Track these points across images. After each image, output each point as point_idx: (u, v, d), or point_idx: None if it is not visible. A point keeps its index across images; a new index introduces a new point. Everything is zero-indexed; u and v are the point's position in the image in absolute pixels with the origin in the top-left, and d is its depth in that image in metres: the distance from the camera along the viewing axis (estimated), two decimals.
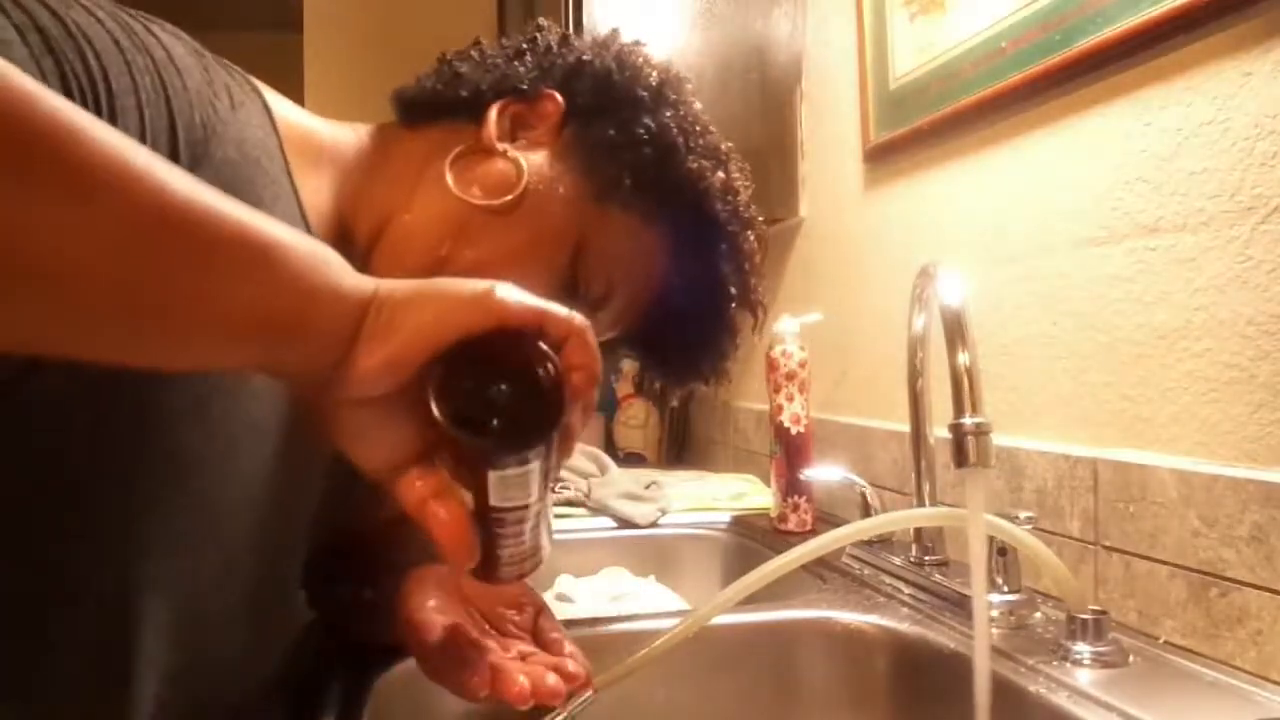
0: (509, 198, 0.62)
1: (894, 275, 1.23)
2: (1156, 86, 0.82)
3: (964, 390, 0.67)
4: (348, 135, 0.66)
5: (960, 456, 0.65)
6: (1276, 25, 0.71)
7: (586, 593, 1.11)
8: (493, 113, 0.65)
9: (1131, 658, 0.73)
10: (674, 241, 0.68)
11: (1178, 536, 0.76)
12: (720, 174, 0.69)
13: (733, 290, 0.70)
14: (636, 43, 0.73)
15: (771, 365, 1.26)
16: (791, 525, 1.23)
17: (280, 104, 0.60)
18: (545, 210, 0.63)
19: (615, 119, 0.66)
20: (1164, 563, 0.78)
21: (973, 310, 0.72)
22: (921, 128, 1.16)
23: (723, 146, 0.72)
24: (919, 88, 1.17)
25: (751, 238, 0.71)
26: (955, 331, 0.70)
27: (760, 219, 0.74)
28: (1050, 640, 0.76)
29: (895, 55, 1.23)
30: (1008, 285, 1.00)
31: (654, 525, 1.30)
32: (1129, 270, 0.84)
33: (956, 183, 1.11)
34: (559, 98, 0.67)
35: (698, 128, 0.69)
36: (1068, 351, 0.92)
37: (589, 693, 0.66)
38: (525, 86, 0.67)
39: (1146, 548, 0.80)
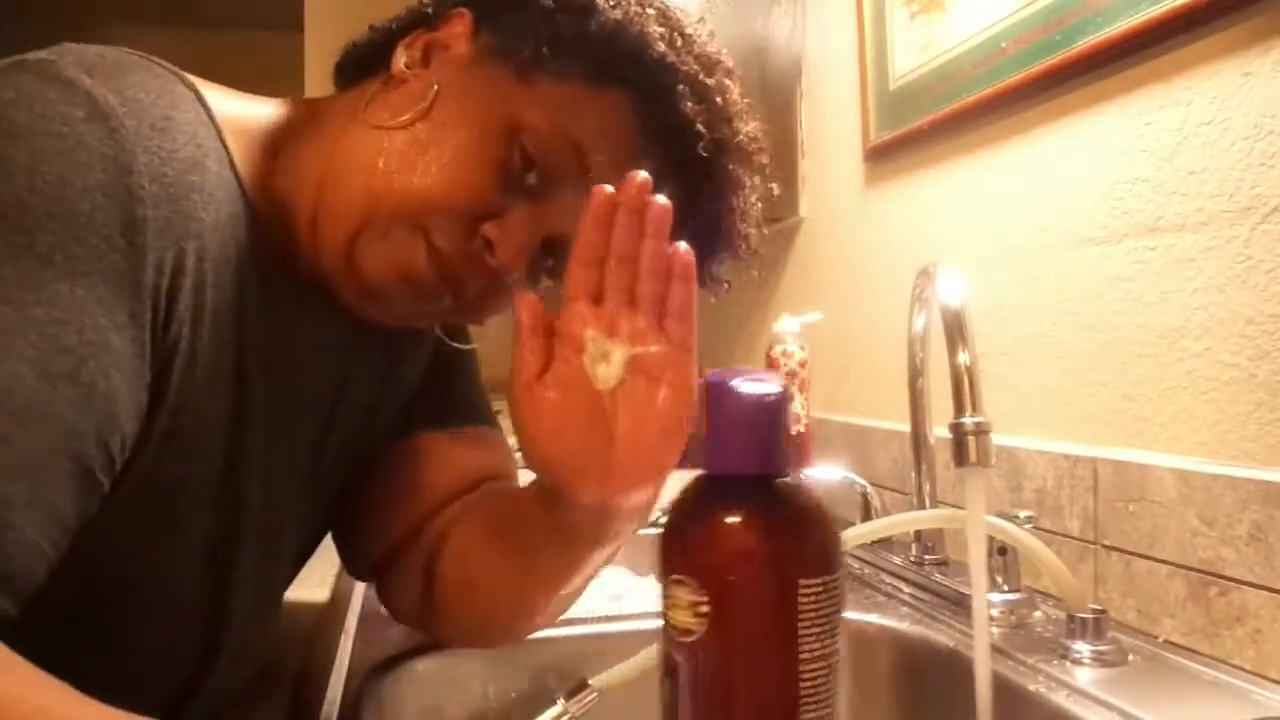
0: (419, 108, 0.59)
1: (894, 275, 1.23)
2: (1156, 86, 0.82)
3: (964, 390, 0.67)
4: (288, 111, 0.65)
5: (960, 456, 0.65)
6: (1276, 25, 0.71)
7: (587, 592, 1.11)
8: (400, 48, 0.63)
9: (1131, 656, 0.73)
10: (631, 97, 0.61)
11: (1177, 536, 0.77)
12: (655, 17, 0.63)
13: (703, 132, 0.62)
14: None
15: (771, 365, 1.26)
16: None
17: (217, 98, 0.59)
18: (462, 109, 0.60)
19: (520, 2, 0.62)
20: (1163, 562, 0.78)
21: (973, 310, 0.72)
22: (921, 128, 1.16)
23: (664, 4, 0.66)
24: (919, 88, 1.18)
25: (718, 76, 0.64)
26: (955, 331, 0.70)
27: (729, 60, 0.67)
28: (1050, 639, 0.77)
29: (895, 55, 1.23)
30: (1008, 285, 1.00)
31: (654, 525, 1.29)
32: (1129, 270, 0.84)
33: (956, 182, 1.11)
34: (465, 11, 0.64)
35: None
36: (1068, 351, 0.92)
37: (591, 693, 0.66)
38: (430, 11, 0.65)
39: (1146, 547, 0.80)
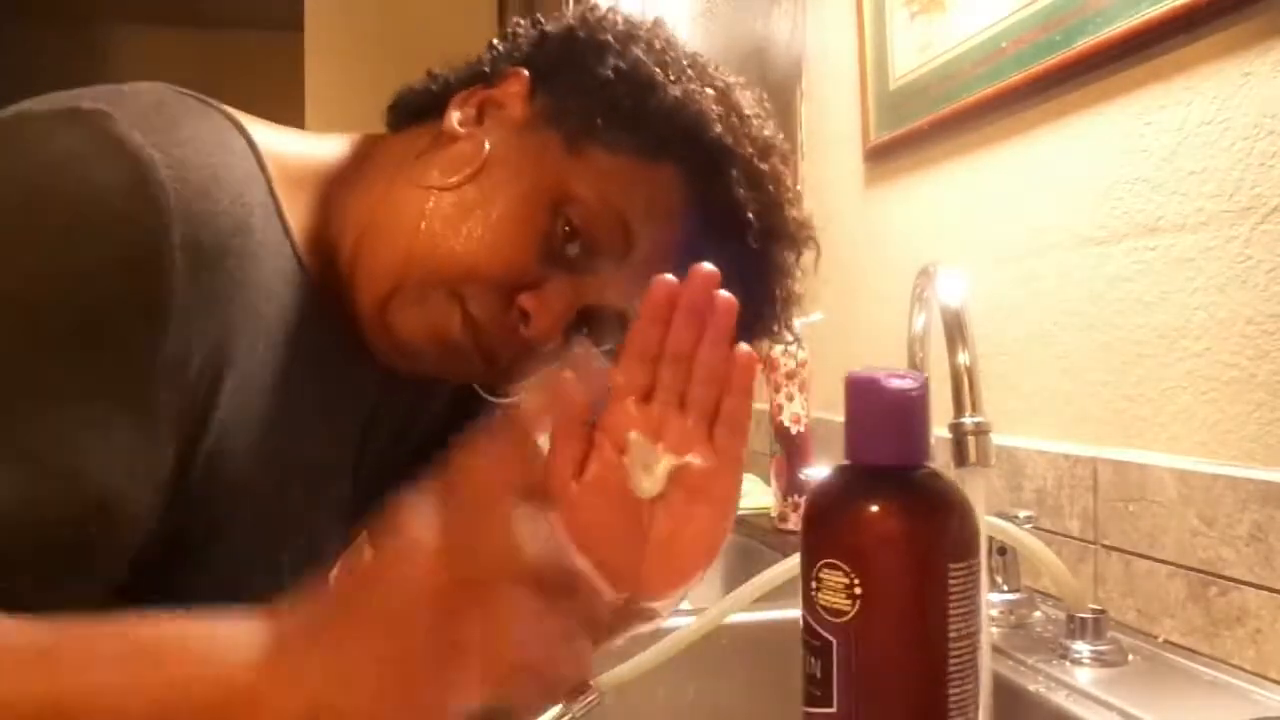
0: (467, 171, 0.59)
1: (894, 275, 1.23)
2: (1156, 86, 0.82)
3: (964, 390, 0.67)
4: (335, 149, 0.65)
5: (960, 456, 0.65)
6: (1276, 25, 0.71)
7: None
8: (455, 102, 0.62)
9: (1131, 657, 0.73)
10: (684, 175, 0.60)
11: (1177, 536, 0.77)
12: (716, 97, 0.62)
13: (753, 219, 0.61)
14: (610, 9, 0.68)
15: (771, 365, 1.26)
16: (792, 525, 1.23)
17: (264, 134, 0.59)
18: (511, 174, 0.59)
19: (580, 68, 0.61)
20: (1163, 562, 0.78)
21: (973, 310, 0.72)
22: (921, 128, 1.16)
23: (720, 73, 0.66)
24: (919, 88, 1.18)
25: (773, 161, 0.64)
26: (955, 331, 0.70)
27: (785, 144, 0.67)
28: (1050, 639, 0.77)
29: (895, 55, 1.23)
30: (1008, 285, 1.00)
31: None
32: (1129, 270, 0.84)
33: (957, 183, 1.11)
34: (523, 72, 0.62)
35: (682, 59, 0.63)
36: (1068, 351, 0.92)
37: (593, 694, 0.66)
38: (488, 69, 0.64)
39: (1146, 547, 0.80)
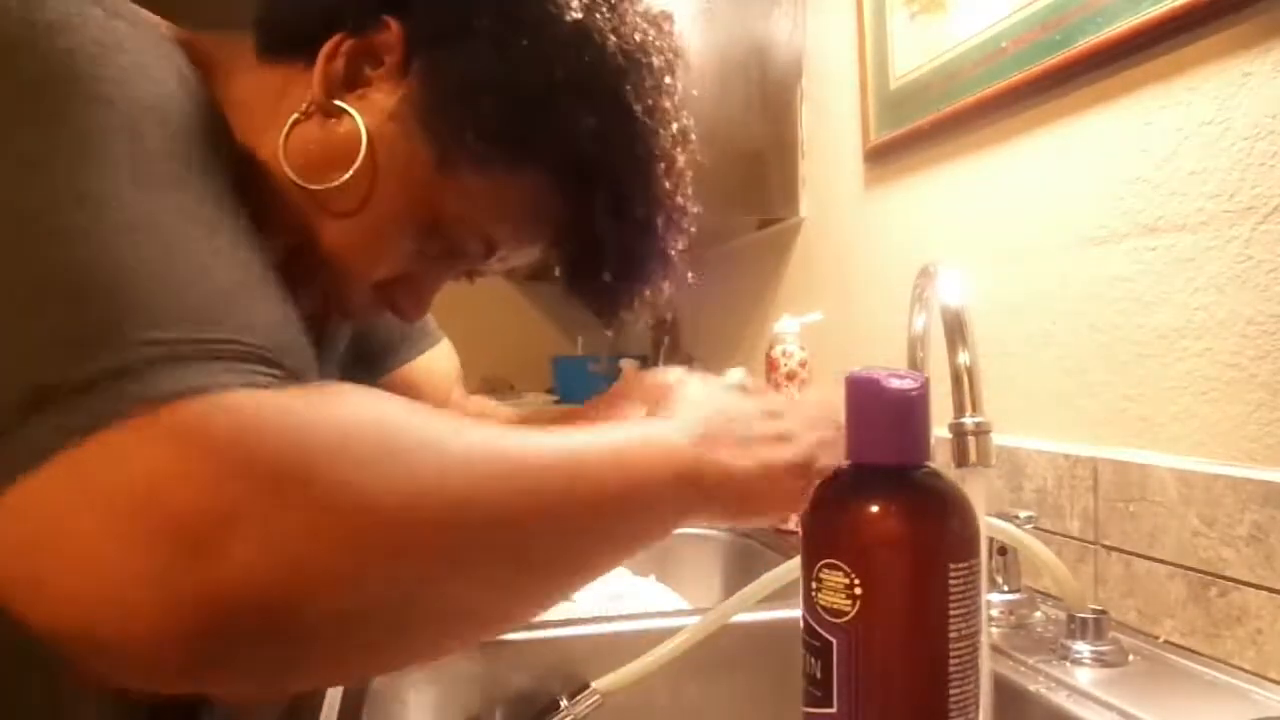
0: (338, 178, 0.54)
1: (894, 275, 1.24)
2: (1156, 86, 0.82)
3: (964, 390, 0.67)
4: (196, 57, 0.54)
5: (960, 456, 0.65)
6: (1276, 25, 0.71)
7: (587, 592, 1.11)
8: (324, 53, 0.55)
9: (1131, 657, 0.73)
10: (552, 184, 0.58)
11: (1177, 536, 0.77)
12: (616, 71, 0.56)
13: (610, 255, 0.60)
14: None
15: (771, 365, 1.26)
16: (792, 525, 1.23)
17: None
18: (381, 190, 0.55)
19: (460, 49, 0.54)
20: (1164, 562, 0.78)
21: (973, 310, 0.72)
22: (921, 128, 1.16)
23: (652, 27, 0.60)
24: (919, 88, 1.17)
25: (661, 170, 0.60)
26: (955, 331, 0.70)
27: (689, 126, 0.63)
28: (1050, 639, 0.77)
29: (895, 55, 1.23)
30: (1008, 285, 1.00)
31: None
32: (1129, 270, 0.84)
33: (956, 183, 1.11)
34: (394, 25, 0.55)
35: (590, 37, 0.56)
36: (1068, 351, 0.92)
37: (594, 695, 0.66)
38: (357, 9, 0.56)
39: (1146, 547, 0.80)
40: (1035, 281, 0.97)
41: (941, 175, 1.14)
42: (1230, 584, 0.72)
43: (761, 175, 1.54)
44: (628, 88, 0.57)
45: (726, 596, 0.67)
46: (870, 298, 1.32)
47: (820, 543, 0.43)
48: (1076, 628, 0.73)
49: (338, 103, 0.55)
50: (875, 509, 0.42)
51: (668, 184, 0.61)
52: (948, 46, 1.11)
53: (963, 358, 0.69)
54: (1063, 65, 0.91)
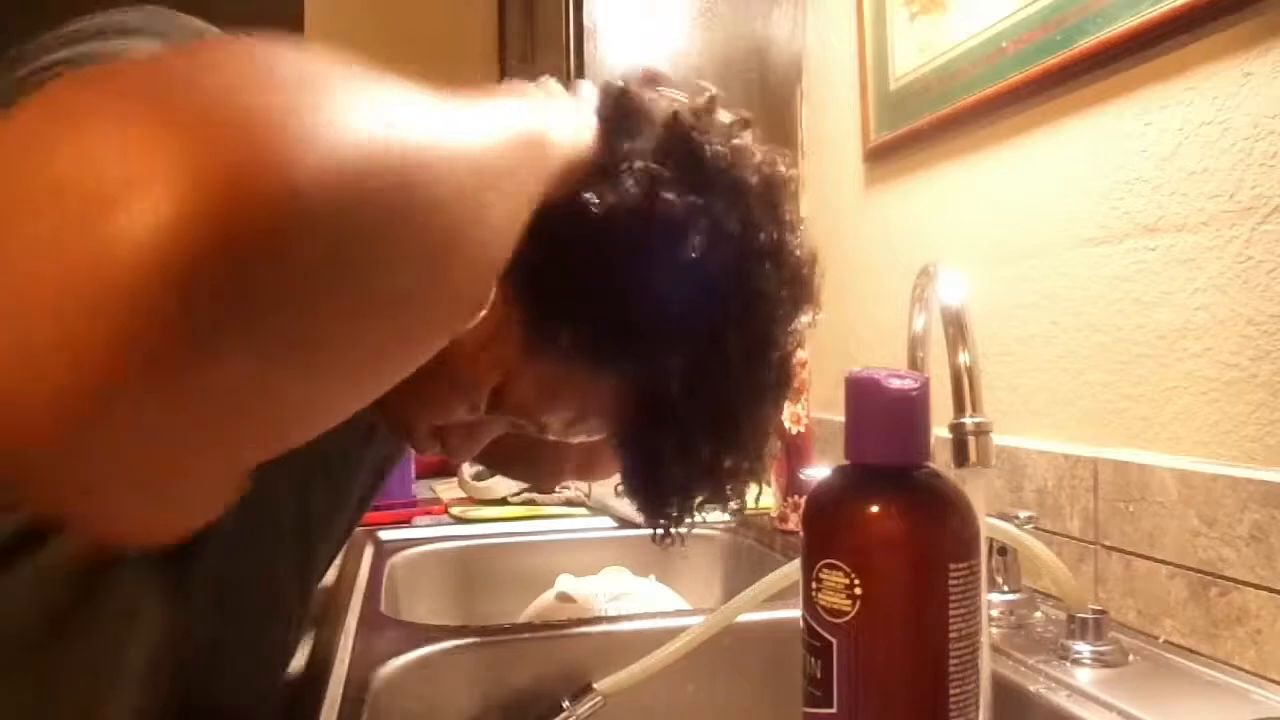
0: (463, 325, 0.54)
1: (894, 275, 1.24)
2: (1156, 86, 0.82)
3: (964, 390, 0.67)
4: None
5: (960, 456, 0.65)
6: (1276, 25, 0.71)
7: (587, 592, 1.11)
8: None
9: (1131, 657, 0.73)
10: (626, 389, 0.56)
11: (1177, 536, 0.77)
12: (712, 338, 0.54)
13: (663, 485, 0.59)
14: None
15: None
16: (792, 525, 1.23)
17: None
18: (465, 347, 0.53)
19: (578, 257, 0.52)
20: (1164, 562, 0.78)
21: (973, 310, 0.72)
22: (921, 128, 1.16)
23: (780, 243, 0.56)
24: (919, 88, 1.18)
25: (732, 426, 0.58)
26: (955, 331, 0.70)
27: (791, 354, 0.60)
28: (1050, 640, 0.77)
29: (895, 55, 1.23)
30: (1008, 285, 1.00)
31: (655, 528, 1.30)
32: (1129, 270, 0.84)
33: (957, 183, 1.11)
34: None
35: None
36: (1068, 351, 0.92)
37: (596, 697, 0.66)
38: None
39: (1146, 547, 0.80)
40: (1035, 281, 0.97)
41: (941, 175, 1.14)
42: (1230, 584, 0.72)
43: None
44: (732, 336, 0.54)
45: (727, 597, 0.67)
46: (870, 298, 1.32)
47: (820, 543, 0.43)
48: (1076, 628, 0.73)
49: None
50: (875, 509, 0.42)
51: (746, 430, 0.58)
52: (948, 47, 1.11)
53: (963, 358, 0.69)
54: (1063, 65, 0.91)
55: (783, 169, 0.57)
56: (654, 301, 0.52)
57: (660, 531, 0.63)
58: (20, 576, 0.41)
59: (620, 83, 0.55)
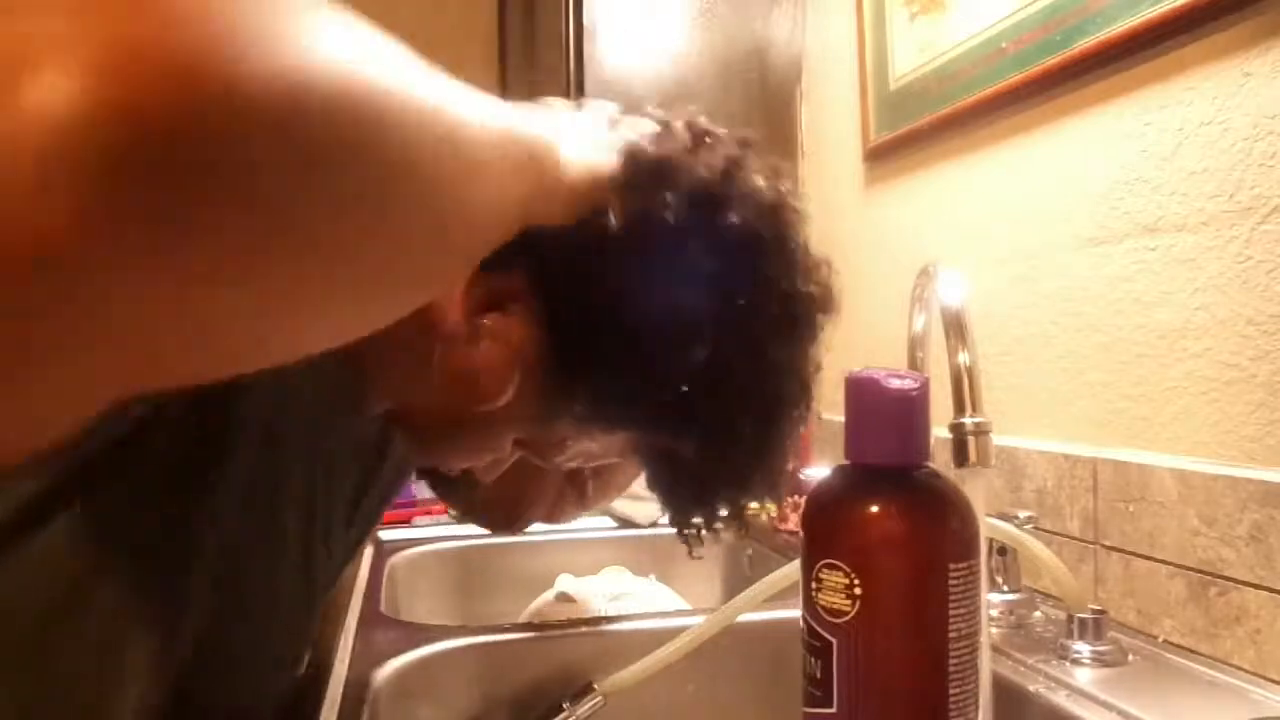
0: (482, 402, 0.55)
1: (894, 275, 1.23)
2: (1156, 86, 0.82)
3: (964, 390, 0.67)
4: None
5: (960, 456, 0.65)
6: (1276, 25, 0.71)
7: (587, 592, 1.11)
8: (458, 290, 0.55)
9: (1131, 657, 0.73)
10: (639, 444, 0.60)
11: (1177, 536, 0.77)
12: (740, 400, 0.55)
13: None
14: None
15: None
16: (792, 525, 1.23)
17: None
18: (496, 416, 0.56)
19: (585, 309, 0.52)
20: (1163, 562, 0.78)
21: (973, 310, 0.72)
22: (921, 128, 1.16)
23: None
24: (919, 88, 1.18)
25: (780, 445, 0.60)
26: (955, 331, 0.70)
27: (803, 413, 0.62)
28: (1050, 639, 0.77)
29: (895, 55, 1.23)
30: (1008, 285, 1.00)
31: (654, 525, 1.30)
32: (1129, 270, 0.84)
33: (957, 183, 1.11)
34: (522, 273, 0.53)
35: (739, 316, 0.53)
36: (1068, 351, 0.92)
37: (596, 698, 0.66)
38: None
39: (1146, 547, 0.80)
40: (1035, 281, 0.97)
41: (941, 175, 1.14)
42: (1230, 584, 0.72)
43: None
44: (746, 371, 0.55)
45: (727, 597, 0.68)
46: (870, 298, 1.32)
47: (820, 543, 0.43)
48: (1076, 628, 0.73)
49: (469, 333, 0.54)
50: (875, 509, 0.42)
51: (758, 473, 0.59)
52: (947, 47, 1.11)
53: (963, 358, 0.69)
54: (1062, 65, 0.91)
55: (793, 201, 0.56)
56: (675, 355, 0.52)
57: (686, 534, 0.65)
58: (14, 569, 0.41)
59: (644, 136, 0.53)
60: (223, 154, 0.23)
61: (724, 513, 0.61)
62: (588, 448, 0.61)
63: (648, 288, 0.50)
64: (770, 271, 0.54)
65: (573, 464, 0.64)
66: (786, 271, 0.55)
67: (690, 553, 0.64)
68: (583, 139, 0.47)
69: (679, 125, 0.54)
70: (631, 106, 0.56)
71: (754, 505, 0.65)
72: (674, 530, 0.64)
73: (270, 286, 0.27)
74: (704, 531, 0.62)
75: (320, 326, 0.31)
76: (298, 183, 0.26)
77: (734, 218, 0.51)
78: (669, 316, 0.51)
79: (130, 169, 0.22)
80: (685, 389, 0.52)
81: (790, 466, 0.63)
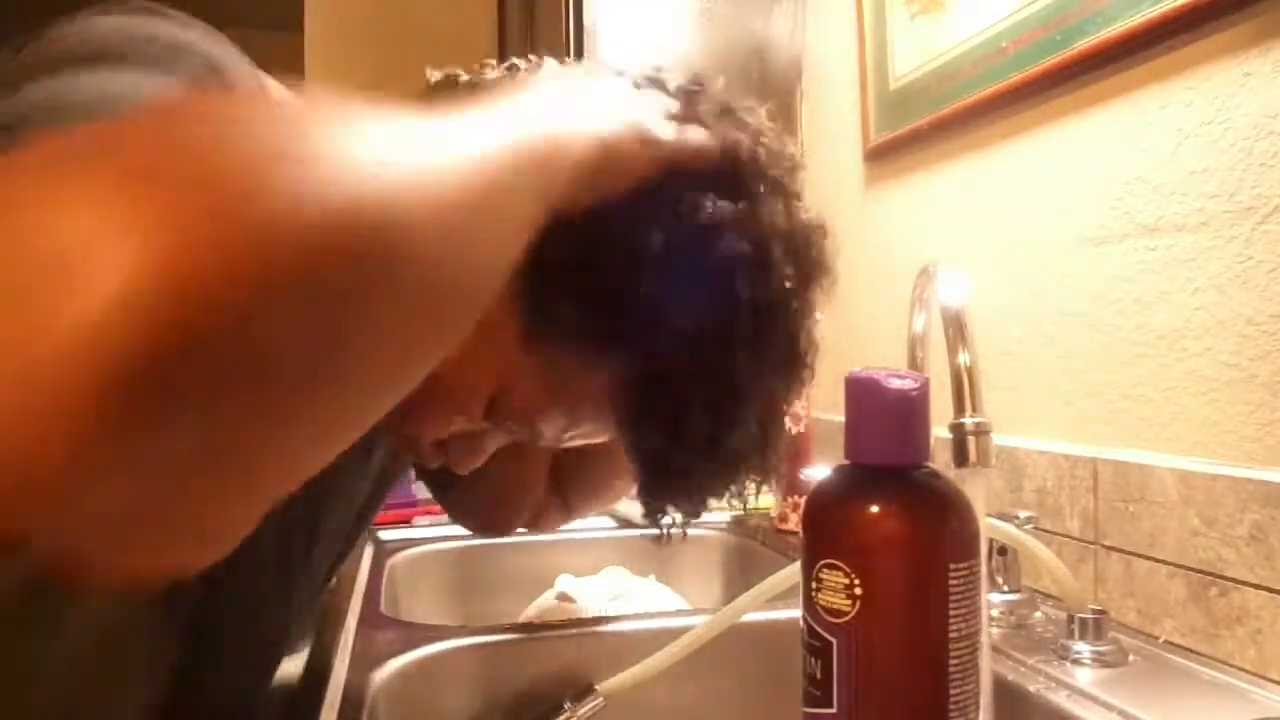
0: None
1: (894, 275, 1.24)
2: (1156, 86, 0.82)
3: (964, 390, 0.67)
4: None
5: (960, 456, 0.65)
6: (1276, 25, 0.71)
7: (587, 592, 1.11)
8: None
9: (1131, 657, 0.73)
10: (620, 390, 0.56)
11: (1177, 536, 0.77)
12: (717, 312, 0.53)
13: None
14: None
15: None
16: (792, 525, 1.23)
17: None
18: (462, 354, 0.55)
19: (566, 239, 0.51)
20: (1164, 562, 0.78)
21: (973, 310, 0.72)
22: (921, 128, 1.16)
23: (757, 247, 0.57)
24: (919, 88, 1.17)
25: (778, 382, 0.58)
26: (955, 331, 0.70)
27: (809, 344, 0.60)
28: (1050, 639, 0.77)
29: (895, 55, 1.23)
30: (1008, 285, 1.00)
31: (653, 526, 1.30)
32: (1129, 270, 0.84)
33: (956, 183, 1.11)
34: None
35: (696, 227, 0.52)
36: (1068, 351, 0.92)
37: (597, 699, 0.66)
38: None
39: (1146, 547, 0.80)
40: (1035, 281, 0.97)
41: (941, 175, 1.14)
42: (1230, 584, 0.72)
43: None
44: (736, 318, 0.54)
45: (727, 597, 0.67)
46: (870, 298, 1.32)
47: (820, 543, 0.43)
48: (1076, 628, 0.73)
49: None
50: (875, 509, 0.42)
51: (749, 411, 0.57)
52: (947, 47, 1.11)
53: (963, 358, 0.69)
54: (1063, 65, 0.91)
55: (790, 152, 0.58)
56: (654, 298, 0.52)
57: (659, 530, 0.63)
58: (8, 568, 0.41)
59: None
60: (269, 339, 0.25)
61: (703, 494, 0.59)
62: (559, 421, 0.58)
63: (631, 224, 0.50)
64: (761, 226, 0.55)
65: (547, 442, 0.61)
66: (781, 231, 0.57)
67: (660, 540, 0.63)
68: (594, 107, 0.47)
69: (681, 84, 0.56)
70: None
71: (749, 495, 0.63)
72: (644, 514, 0.61)
73: (328, 419, 0.30)
74: (691, 513, 0.60)
75: (368, 423, 0.32)
76: (350, 343, 0.28)
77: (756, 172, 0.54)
78: (647, 248, 0.51)
79: (188, 368, 0.23)
80: (667, 318, 0.52)
81: (783, 440, 0.61)
